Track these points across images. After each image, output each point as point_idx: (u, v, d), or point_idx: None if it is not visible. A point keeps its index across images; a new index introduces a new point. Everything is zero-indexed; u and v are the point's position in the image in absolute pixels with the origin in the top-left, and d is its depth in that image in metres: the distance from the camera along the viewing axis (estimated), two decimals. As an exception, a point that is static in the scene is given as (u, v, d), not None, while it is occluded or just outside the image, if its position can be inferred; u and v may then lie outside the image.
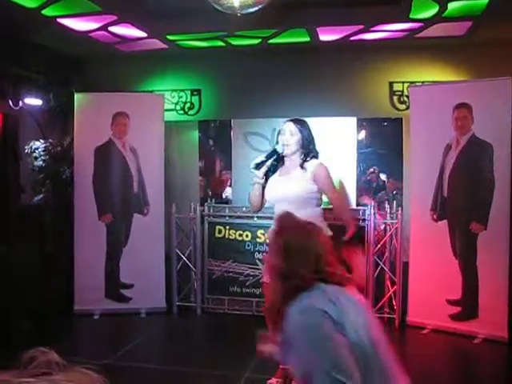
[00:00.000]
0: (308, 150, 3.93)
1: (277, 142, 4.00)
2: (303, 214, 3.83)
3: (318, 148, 3.99)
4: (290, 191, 3.83)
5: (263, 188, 3.93)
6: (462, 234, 5.37)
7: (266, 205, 4.08)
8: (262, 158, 3.89)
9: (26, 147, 6.17)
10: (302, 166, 3.89)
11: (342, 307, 1.96)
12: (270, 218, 5.95)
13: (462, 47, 5.94)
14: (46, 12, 4.93)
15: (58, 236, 6.09)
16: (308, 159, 3.89)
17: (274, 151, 3.90)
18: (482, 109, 5.25)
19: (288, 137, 3.89)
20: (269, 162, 3.88)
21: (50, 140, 6.34)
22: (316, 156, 3.94)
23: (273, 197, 3.92)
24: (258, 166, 3.85)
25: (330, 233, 3.63)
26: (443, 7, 4.84)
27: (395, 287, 5.66)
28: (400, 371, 1.94)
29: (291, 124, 3.93)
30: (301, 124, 3.97)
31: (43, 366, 0.84)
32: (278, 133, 4.01)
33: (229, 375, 4.41)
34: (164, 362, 4.81)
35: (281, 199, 3.84)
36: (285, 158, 3.95)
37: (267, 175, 3.92)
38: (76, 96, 6.11)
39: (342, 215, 4.03)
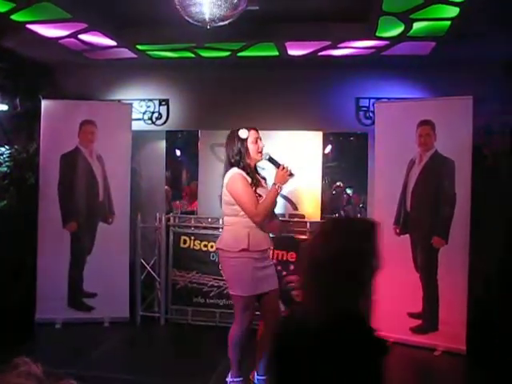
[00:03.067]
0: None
1: (246, 149, 4.01)
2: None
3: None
4: None
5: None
6: (423, 248, 5.48)
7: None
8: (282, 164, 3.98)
9: (-10, 152, 6.09)
10: (263, 178, 4.16)
11: None
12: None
13: (426, 66, 6.08)
14: (16, 17, 4.90)
15: (21, 243, 6.01)
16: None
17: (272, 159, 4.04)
18: (444, 126, 5.39)
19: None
20: None
21: (15, 146, 6.28)
22: None
23: None
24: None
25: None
26: (408, 26, 4.96)
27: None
28: None
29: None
30: None
31: (23, 376, 0.85)
32: (244, 139, 4.00)
33: (191, 385, 4.41)
34: (127, 371, 4.78)
35: None
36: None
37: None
38: (43, 102, 6.07)
39: None
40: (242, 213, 3.91)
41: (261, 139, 4.04)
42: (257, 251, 3.91)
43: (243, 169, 3.94)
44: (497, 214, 5.64)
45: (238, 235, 3.90)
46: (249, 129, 4.01)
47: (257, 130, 4.05)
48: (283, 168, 3.89)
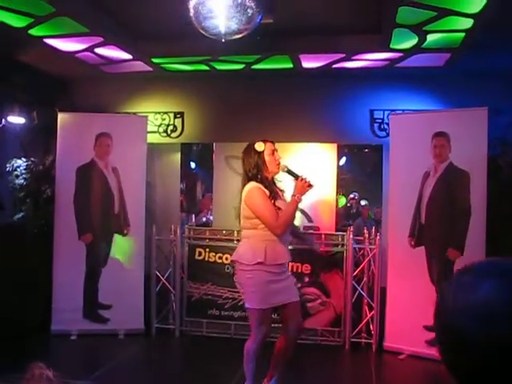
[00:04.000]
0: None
1: (263, 162, 3.99)
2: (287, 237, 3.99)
3: None
4: None
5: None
6: (438, 260, 5.45)
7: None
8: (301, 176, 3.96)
9: (8, 165, 6.17)
10: (282, 190, 4.09)
11: None
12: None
13: (440, 77, 6.08)
14: (34, 32, 4.98)
15: (38, 255, 6.05)
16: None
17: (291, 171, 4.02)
18: (459, 138, 5.37)
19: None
20: None
21: (32, 159, 6.35)
22: None
23: None
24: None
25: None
26: (422, 38, 4.97)
27: (373, 312, 5.69)
28: None
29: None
30: None
31: (36, 380, 0.87)
32: (261, 152, 4.00)
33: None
34: (141, 383, 4.79)
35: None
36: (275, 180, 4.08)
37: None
38: (60, 115, 6.13)
39: None
40: (261, 226, 3.88)
41: (277, 151, 4.04)
42: (273, 265, 3.88)
43: (261, 182, 3.92)
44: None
45: (255, 248, 3.88)
46: (265, 141, 4.00)
47: (273, 143, 4.05)
48: (302, 179, 3.88)
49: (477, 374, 0.95)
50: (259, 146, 3.96)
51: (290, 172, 3.98)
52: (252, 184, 3.92)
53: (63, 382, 0.92)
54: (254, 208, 3.88)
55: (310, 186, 3.86)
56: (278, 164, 3.99)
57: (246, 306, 4.00)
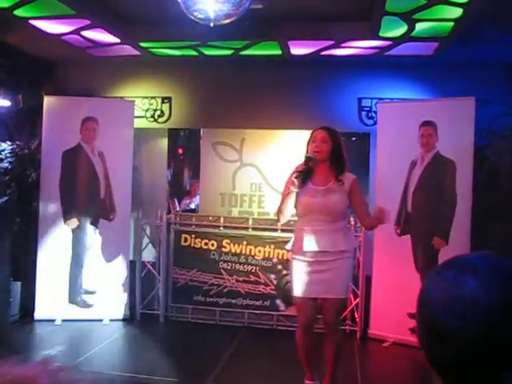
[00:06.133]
0: (339, 159, 3.91)
1: (307, 151, 3.92)
2: (336, 226, 3.86)
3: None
4: (329, 203, 3.82)
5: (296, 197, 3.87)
6: (424, 248, 5.48)
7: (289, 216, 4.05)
8: (302, 165, 3.83)
9: (-7, 148, 6.10)
10: (336, 178, 3.87)
11: None
12: (236, 228, 6.05)
13: (429, 66, 6.08)
14: (19, 12, 4.90)
15: (22, 239, 6.01)
16: (341, 171, 3.89)
17: (309, 159, 3.83)
18: (446, 127, 5.39)
19: (320, 144, 3.86)
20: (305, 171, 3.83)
21: (17, 142, 6.28)
22: (346, 167, 3.94)
23: (310, 207, 3.86)
24: (301, 175, 3.79)
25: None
26: (411, 27, 4.96)
27: (358, 300, 5.73)
28: None
29: (323, 131, 3.90)
30: (333, 132, 3.94)
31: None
32: (308, 141, 3.93)
33: None
34: (125, 369, 4.79)
35: (320, 210, 3.82)
36: (315, 167, 3.89)
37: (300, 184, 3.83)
38: (46, 99, 6.07)
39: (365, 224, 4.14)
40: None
41: (316, 141, 3.91)
42: (301, 254, 3.85)
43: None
44: (497, 215, 5.63)
45: (293, 236, 4.01)
46: (315, 130, 3.97)
47: (318, 131, 3.95)
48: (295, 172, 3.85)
49: (458, 369, 0.95)
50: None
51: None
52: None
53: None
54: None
55: (293, 181, 3.80)
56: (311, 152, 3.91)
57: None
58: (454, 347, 0.93)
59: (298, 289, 3.87)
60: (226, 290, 5.99)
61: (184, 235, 6.16)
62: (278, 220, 4.18)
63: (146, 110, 6.86)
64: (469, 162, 5.26)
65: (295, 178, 3.77)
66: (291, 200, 3.86)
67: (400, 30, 5.08)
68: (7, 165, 6.12)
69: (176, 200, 8.37)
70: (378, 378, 4.82)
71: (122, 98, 6.78)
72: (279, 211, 3.96)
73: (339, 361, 3.97)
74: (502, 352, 0.91)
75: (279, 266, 5.91)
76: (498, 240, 5.58)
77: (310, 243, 3.84)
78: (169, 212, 6.63)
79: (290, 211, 3.95)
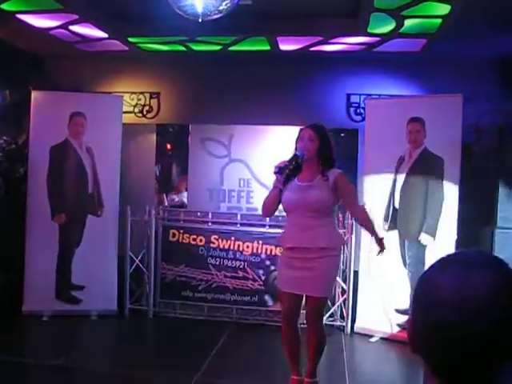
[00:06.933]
0: (327, 157, 3.89)
1: (295, 148, 3.90)
2: (320, 222, 3.83)
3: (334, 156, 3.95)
4: (311, 198, 3.79)
5: (280, 193, 3.88)
6: (411, 244, 5.51)
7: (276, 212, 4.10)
8: (285, 162, 3.80)
9: (-21, 144, 6.06)
10: (322, 174, 3.84)
11: None
12: (224, 224, 6.05)
13: (417, 63, 6.10)
14: (5, 6, 4.86)
15: (9, 235, 5.98)
16: (328, 167, 3.86)
17: (296, 156, 3.82)
18: (434, 123, 5.41)
19: (307, 142, 3.84)
20: (290, 167, 3.81)
21: (4, 137, 6.24)
22: (334, 164, 3.92)
23: (292, 203, 3.86)
24: (281, 171, 3.78)
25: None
26: (400, 23, 4.98)
27: (345, 295, 5.75)
28: None
29: (310, 130, 3.89)
30: (320, 130, 3.92)
31: None
32: (297, 138, 3.92)
33: (178, 379, 4.41)
34: (113, 364, 4.79)
35: (300, 206, 3.80)
36: (303, 165, 3.88)
37: (285, 181, 3.86)
38: (33, 94, 6.03)
39: (365, 227, 4.09)
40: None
41: (303, 138, 3.90)
42: (286, 248, 3.92)
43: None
44: (484, 212, 5.68)
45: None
46: (303, 128, 3.97)
47: (305, 130, 3.94)
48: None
49: (460, 369, 0.94)
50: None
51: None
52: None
53: None
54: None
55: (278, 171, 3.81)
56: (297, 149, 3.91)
57: None
58: (461, 347, 0.91)
59: (281, 282, 3.96)
60: (214, 286, 5.99)
61: (172, 230, 6.15)
62: (262, 215, 4.21)
63: (135, 106, 6.84)
64: (456, 159, 5.29)
65: (274, 173, 3.80)
66: (277, 195, 3.89)
67: (388, 26, 5.09)
68: (-6, 160, 6.09)
69: (165, 195, 8.35)
70: (365, 374, 4.85)
71: (110, 93, 6.76)
72: (263, 205, 4.00)
73: (319, 357, 3.97)
74: (507, 350, 0.90)
75: (267, 262, 5.91)
76: (485, 236, 5.64)
77: (291, 239, 3.87)
78: (159, 206, 6.62)
79: (275, 207, 3.97)
